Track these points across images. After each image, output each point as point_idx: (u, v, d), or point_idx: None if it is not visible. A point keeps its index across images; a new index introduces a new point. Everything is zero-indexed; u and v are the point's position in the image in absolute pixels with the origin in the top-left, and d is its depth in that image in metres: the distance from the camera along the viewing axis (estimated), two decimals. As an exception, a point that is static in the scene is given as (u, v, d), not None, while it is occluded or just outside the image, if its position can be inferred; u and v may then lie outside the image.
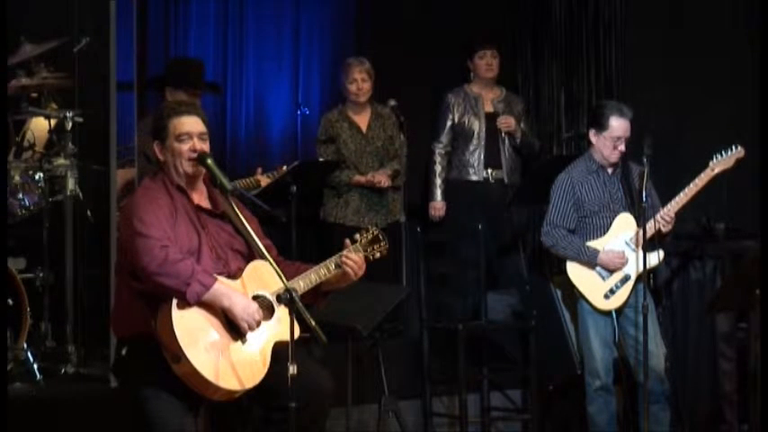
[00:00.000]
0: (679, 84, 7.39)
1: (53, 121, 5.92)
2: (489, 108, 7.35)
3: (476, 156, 7.28)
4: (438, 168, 7.29)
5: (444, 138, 7.31)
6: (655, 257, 5.95)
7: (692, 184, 5.95)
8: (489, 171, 7.29)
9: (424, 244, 6.77)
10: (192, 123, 4.45)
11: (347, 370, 5.78)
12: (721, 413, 6.47)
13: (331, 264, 4.55)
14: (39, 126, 6.01)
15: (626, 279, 5.95)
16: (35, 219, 5.85)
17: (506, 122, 7.27)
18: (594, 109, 6.28)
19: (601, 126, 5.98)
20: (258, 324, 4.28)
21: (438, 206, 7.28)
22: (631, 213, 6.00)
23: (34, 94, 6.04)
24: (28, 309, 5.46)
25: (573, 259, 6.03)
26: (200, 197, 4.51)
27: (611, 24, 7.89)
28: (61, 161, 5.80)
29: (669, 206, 5.94)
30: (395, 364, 6.31)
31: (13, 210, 5.72)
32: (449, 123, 7.30)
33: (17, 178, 5.76)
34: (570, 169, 6.13)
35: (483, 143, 7.28)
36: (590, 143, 6.08)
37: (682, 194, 5.95)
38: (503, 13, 8.13)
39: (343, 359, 5.78)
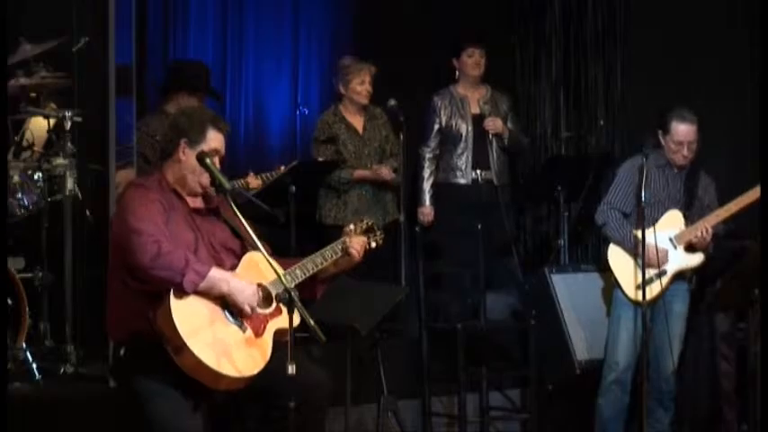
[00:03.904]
0: (679, 84, 7.39)
1: (52, 121, 5.90)
2: (476, 109, 7.33)
3: (463, 159, 7.27)
4: (426, 173, 7.27)
5: (432, 141, 7.29)
6: (696, 258, 6.04)
7: (732, 203, 6.01)
8: (478, 172, 7.27)
9: (423, 244, 6.77)
10: (222, 142, 4.49)
11: (346, 370, 5.77)
12: (721, 413, 6.48)
13: (327, 252, 4.60)
14: (38, 126, 5.99)
15: (662, 274, 5.97)
16: (34, 218, 5.83)
17: (493, 125, 7.26)
18: (663, 111, 6.30)
19: (665, 129, 6.05)
20: (259, 305, 4.29)
21: (426, 211, 7.25)
22: (684, 214, 6.05)
23: (33, 94, 6.01)
24: (27, 308, 5.45)
25: (616, 242, 6.08)
26: (195, 201, 4.51)
27: (612, 24, 7.90)
28: (60, 161, 5.78)
29: (708, 219, 6.01)
30: (394, 363, 6.30)
31: (12, 209, 5.70)
32: (436, 127, 7.29)
33: (16, 178, 5.74)
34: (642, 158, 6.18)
35: (471, 145, 7.26)
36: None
37: (722, 210, 6.03)
38: (502, 12, 8.13)
39: (343, 359, 5.77)
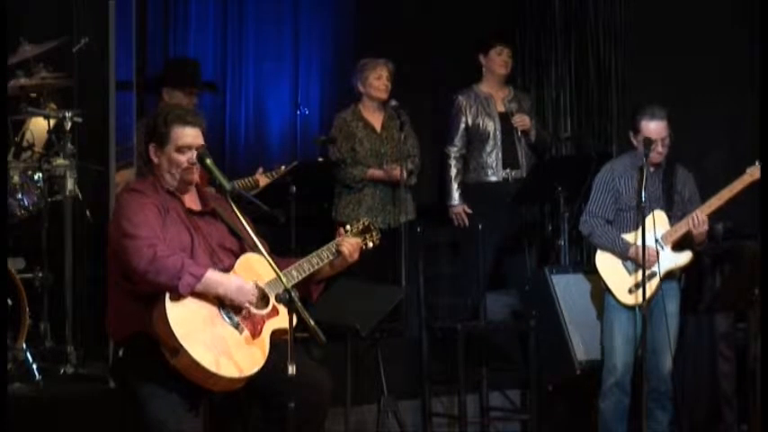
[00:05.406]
0: (679, 84, 7.38)
1: (52, 122, 5.91)
2: (501, 108, 7.32)
3: (493, 156, 7.25)
4: (454, 171, 7.23)
5: (458, 141, 7.26)
6: (684, 257, 6.01)
7: (725, 190, 5.96)
8: (508, 171, 7.26)
9: (424, 244, 6.77)
10: (194, 136, 4.43)
11: (346, 370, 5.78)
12: (720, 413, 6.48)
13: (323, 253, 4.58)
14: (38, 126, 5.99)
15: (652, 276, 5.97)
16: (34, 219, 5.83)
17: (522, 121, 7.25)
18: (631, 112, 6.30)
19: (635, 129, 6.03)
20: (256, 301, 4.29)
21: (457, 210, 7.22)
22: (667, 212, 6.03)
23: (33, 95, 6.02)
24: (27, 309, 5.45)
25: (606, 249, 6.07)
26: (191, 201, 4.50)
27: (612, 24, 7.89)
28: (60, 161, 5.79)
29: (701, 209, 5.97)
30: (394, 364, 6.31)
31: (13, 210, 5.71)
32: (462, 126, 7.26)
33: (16, 178, 5.75)
34: (614, 162, 6.22)
35: (499, 144, 7.25)
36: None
37: (714, 198, 5.97)
38: (503, 13, 8.13)
39: (343, 359, 5.78)
